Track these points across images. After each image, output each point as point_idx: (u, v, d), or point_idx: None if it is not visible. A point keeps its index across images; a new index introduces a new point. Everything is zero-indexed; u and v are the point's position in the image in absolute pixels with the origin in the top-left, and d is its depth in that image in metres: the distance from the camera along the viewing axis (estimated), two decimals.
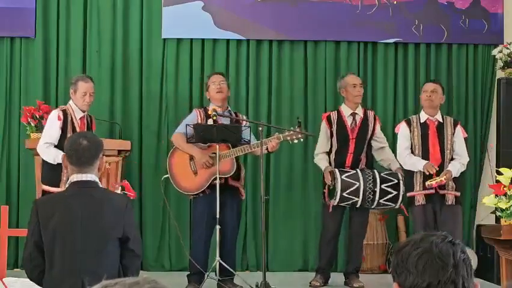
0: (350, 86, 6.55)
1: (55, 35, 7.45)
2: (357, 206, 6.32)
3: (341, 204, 6.32)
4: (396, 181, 6.27)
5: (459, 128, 6.52)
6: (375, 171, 6.36)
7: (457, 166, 6.39)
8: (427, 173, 6.23)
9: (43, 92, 7.37)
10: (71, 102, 6.20)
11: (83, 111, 6.16)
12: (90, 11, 7.48)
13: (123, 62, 7.49)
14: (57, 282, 3.51)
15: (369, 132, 6.54)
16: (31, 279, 3.65)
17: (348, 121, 6.52)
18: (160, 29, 7.49)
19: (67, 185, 3.70)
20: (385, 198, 6.26)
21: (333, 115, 6.58)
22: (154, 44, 7.52)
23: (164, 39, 7.52)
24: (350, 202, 6.29)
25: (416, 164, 6.34)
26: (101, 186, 3.75)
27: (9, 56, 7.43)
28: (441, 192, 6.33)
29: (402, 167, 6.45)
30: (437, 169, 6.26)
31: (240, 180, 6.37)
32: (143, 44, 7.52)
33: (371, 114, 6.64)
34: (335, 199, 6.26)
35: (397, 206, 6.35)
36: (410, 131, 6.44)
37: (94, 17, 7.49)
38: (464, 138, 6.56)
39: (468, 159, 6.56)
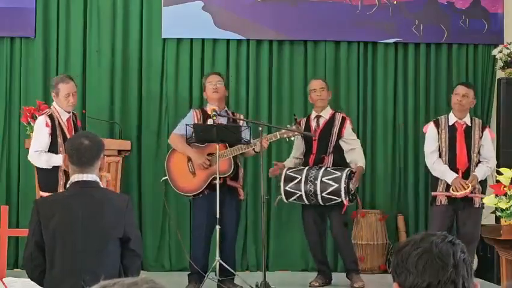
0: (311, 91, 6.72)
1: (55, 35, 7.45)
2: (304, 201, 6.36)
3: (290, 200, 6.43)
4: (338, 174, 6.25)
5: (487, 132, 6.46)
6: (325, 166, 6.39)
7: (484, 169, 6.32)
8: (454, 190, 6.20)
9: (43, 92, 7.36)
10: (55, 104, 6.09)
11: (68, 112, 6.07)
12: (90, 11, 7.48)
13: (123, 62, 7.48)
14: (58, 282, 3.52)
15: (334, 134, 6.56)
16: (32, 279, 3.65)
17: (313, 124, 6.64)
18: (160, 29, 7.48)
19: (67, 185, 3.71)
20: (327, 192, 6.24)
21: (303, 121, 6.71)
22: (154, 44, 7.52)
23: (164, 39, 7.52)
24: (296, 197, 6.36)
25: (446, 174, 6.29)
26: (102, 186, 3.75)
27: (9, 56, 7.43)
28: (469, 195, 6.27)
29: (430, 168, 6.43)
30: (466, 186, 6.20)
31: (239, 180, 6.36)
32: (143, 44, 7.52)
33: (338, 116, 6.66)
34: (281, 194, 6.41)
35: (343, 201, 6.24)
36: (438, 133, 6.42)
37: (94, 17, 7.48)
38: (492, 138, 6.52)
39: (495, 163, 6.46)
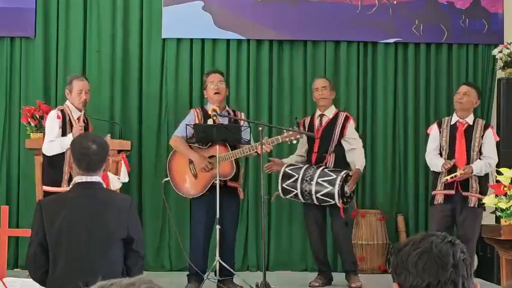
0: (314, 90, 6.73)
1: (55, 35, 7.45)
2: (301, 200, 6.38)
3: (287, 196, 6.44)
4: (334, 176, 6.23)
5: (490, 131, 6.38)
6: (323, 167, 6.38)
7: (480, 163, 6.22)
8: (444, 170, 6.18)
9: (43, 92, 7.36)
10: (67, 102, 6.25)
11: (80, 110, 6.16)
12: (90, 11, 7.48)
13: (123, 62, 7.49)
14: (61, 282, 3.51)
15: (336, 133, 6.53)
16: (34, 279, 3.65)
17: (316, 122, 6.63)
18: (160, 29, 7.49)
19: (71, 186, 3.71)
20: (321, 193, 6.23)
21: (307, 119, 6.72)
22: (154, 44, 7.52)
23: (164, 39, 7.52)
24: (292, 194, 6.37)
25: (438, 164, 6.28)
26: (105, 187, 3.75)
27: (9, 56, 7.43)
28: (464, 194, 6.20)
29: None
30: (453, 163, 6.17)
31: (239, 180, 6.35)
32: (143, 44, 7.52)
33: (342, 115, 6.64)
34: (278, 190, 6.43)
35: (337, 203, 6.23)
36: (440, 132, 6.41)
37: (94, 17, 7.49)
38: (496, 142, 6.47)
39: (496, 161, 6.35)
